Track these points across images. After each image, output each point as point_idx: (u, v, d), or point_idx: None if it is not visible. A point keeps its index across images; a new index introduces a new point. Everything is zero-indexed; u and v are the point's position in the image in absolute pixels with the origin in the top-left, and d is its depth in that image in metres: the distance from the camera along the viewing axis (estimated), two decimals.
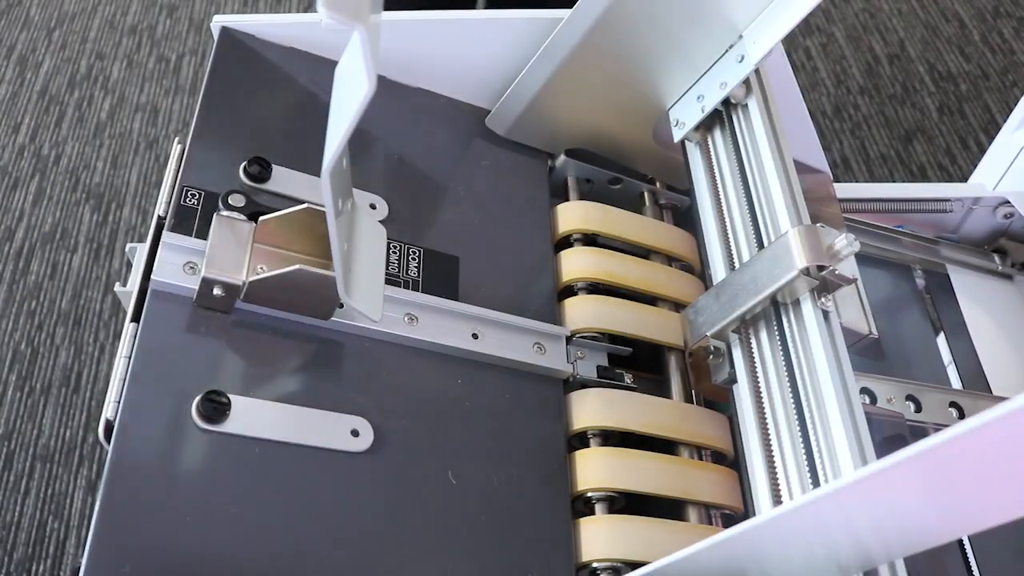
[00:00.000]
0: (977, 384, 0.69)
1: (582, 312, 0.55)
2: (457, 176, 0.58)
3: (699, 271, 0.61)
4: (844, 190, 0.72)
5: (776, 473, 0.47)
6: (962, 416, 0.60)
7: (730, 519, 0.52)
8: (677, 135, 0.61)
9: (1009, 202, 0.75)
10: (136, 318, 0.45)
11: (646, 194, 0.65)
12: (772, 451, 0.48)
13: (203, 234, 0.47)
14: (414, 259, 0.52)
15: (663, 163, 0.65)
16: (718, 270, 0.56)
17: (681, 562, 0.35)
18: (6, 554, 0.76)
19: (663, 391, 0.55)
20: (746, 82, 0.58)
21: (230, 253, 0.45)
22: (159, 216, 0.48)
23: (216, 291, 0.45)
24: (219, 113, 0.53)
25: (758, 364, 0.50)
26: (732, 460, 0.54)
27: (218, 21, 0.57)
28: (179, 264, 0.46)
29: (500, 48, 0.61)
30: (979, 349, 0.71)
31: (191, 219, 0.48)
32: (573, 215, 0.59)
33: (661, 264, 0.60)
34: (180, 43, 1.19)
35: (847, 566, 0.36)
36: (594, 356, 0.54)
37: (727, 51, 0.57)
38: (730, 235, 0.56)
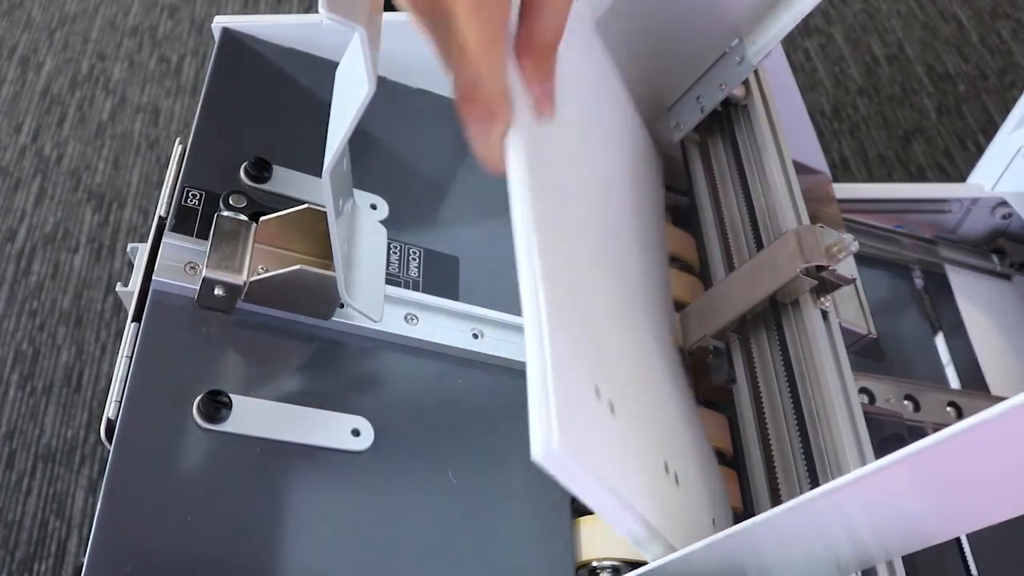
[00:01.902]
0: (975, 384, 0.69)
1: None
2: (457, 176, 0.58)
3: (699, 271, 0.61)
4: (843, 190, 0.72)
5: (776, 473, 0.47)
6: (960, 416, 0.60)
7: None
8: (676, 136, 0.61)
9: (1007, 202, 0.75)
10: (137, 318, 0.45)
11: None
12: (772, 451, 0.48)
13: (204, 234, 0.47)
14: (414, 259, 0.53)
15: (663, 163, 0.65)
16: (718, 270, 0.56)
17: (681, 560, 0.35)
18: (8, 553, 0.76)
19: None
20: (745, 83, 0.58)
21: (231, 253, 0.45)
22: (160, 216, 0.49)
23: (217, 291, 0.45)
24: (220, 113, 0.53)
25: (758, 364, 0.50)
26: (732, 460, 0.54)
27: (219, 22, 0.57)
28: (180, 264, 0.46)
29: None
30: (977, 349, 0.71)
31: (192, 219, 0.48)
32: None
33: None
34: (181, 44, 1.19)
35: (846, 564, 0.36)
36: None
37: (726, 52, 0.58)
38: (730, 235, 0.56)
